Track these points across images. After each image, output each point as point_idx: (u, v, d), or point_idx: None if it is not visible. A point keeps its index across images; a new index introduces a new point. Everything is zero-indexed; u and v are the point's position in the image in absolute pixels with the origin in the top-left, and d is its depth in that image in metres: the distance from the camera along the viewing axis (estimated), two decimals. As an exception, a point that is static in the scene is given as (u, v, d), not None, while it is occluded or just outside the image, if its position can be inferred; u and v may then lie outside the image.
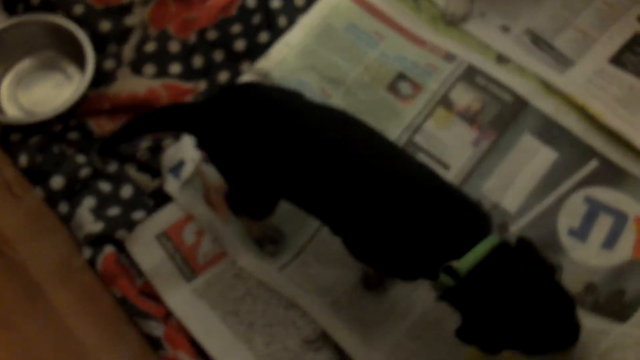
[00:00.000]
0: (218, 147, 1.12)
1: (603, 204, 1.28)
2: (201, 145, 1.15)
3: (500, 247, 0.95)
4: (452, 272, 0.94)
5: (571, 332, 0.96)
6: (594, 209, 1.28)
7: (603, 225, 1.26)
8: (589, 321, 1.18)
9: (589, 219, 1.27)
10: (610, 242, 1.25)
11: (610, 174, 1.30)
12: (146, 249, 1.33)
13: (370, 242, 1.04)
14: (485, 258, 0.93)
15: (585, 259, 1.24)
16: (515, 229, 1.28)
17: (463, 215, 0.98)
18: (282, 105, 1.09)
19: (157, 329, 1.25)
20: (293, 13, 1.54)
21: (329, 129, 1.05)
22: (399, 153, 1.10)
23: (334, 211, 1.06)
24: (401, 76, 1.43)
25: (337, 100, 1.42)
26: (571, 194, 1.29)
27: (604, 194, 1.29)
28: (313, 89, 1.44)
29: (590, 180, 1.30)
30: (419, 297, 1.24)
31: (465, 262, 0.93)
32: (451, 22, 1.47)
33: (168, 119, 1.20)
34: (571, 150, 1.33)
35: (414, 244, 0.98)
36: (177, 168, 1.40)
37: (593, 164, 1.31)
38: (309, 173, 1.04)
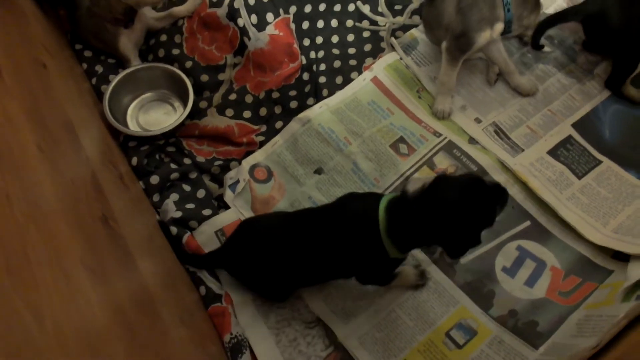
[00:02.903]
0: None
1: (530, 252, 1.25)
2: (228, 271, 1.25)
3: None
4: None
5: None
6: (523, 256, 1.24)
7: (527, 268, 1.23)
8: (510, 339, 1.15)
9: (518, 262, 1.24)
10: (531, 281, 1.21)
11: (538, 233, 1.27)
12: (208, 240, 1.31)
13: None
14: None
15: (511, 290, 1.21)
16: (464, 261, 1.24)
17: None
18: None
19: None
20: (333, 88, 1.53)
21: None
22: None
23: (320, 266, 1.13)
24: (401, 140, 1.41)
25: (354, 147, 1.40)
26: (508, 242, 1.26)
27: (531, 246, 1.25)
28: (339, 136, 1.41)
29: (523, 234, 1.27)
30: (386, 298, 1.21)
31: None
32: (439, 117, 1.44)
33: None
34: (512, 212, 1.29)
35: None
36: (234, 185, 1.39)
37: (527, 223, 1.28)
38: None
